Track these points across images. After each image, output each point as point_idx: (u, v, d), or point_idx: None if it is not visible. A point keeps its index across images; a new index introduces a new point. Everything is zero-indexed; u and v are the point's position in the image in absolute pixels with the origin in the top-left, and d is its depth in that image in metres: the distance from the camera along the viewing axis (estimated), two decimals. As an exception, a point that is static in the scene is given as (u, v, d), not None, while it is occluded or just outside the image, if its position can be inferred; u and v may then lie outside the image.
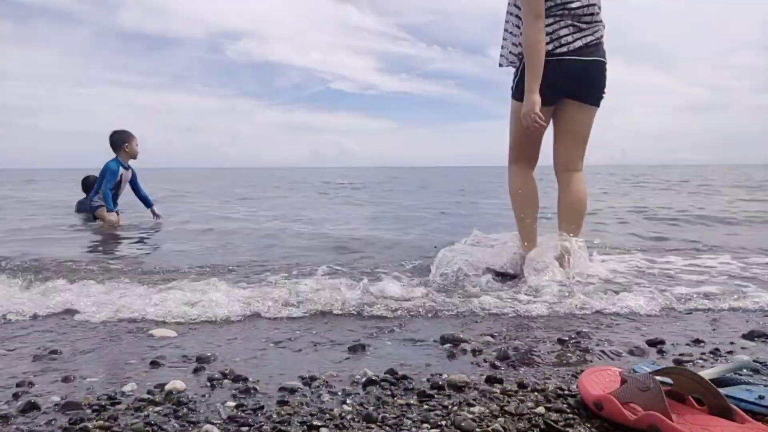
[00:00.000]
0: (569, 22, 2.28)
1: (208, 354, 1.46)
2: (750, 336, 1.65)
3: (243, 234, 4.25)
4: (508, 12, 2.46)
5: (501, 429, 1.00)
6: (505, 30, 2.50)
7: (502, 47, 2.54)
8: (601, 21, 2.34)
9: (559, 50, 2.28)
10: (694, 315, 1.91)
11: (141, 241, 4.08)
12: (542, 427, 1.02)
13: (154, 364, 1.41)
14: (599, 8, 2.34)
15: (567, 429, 1.01)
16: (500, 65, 2.57)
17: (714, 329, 1.75)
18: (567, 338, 1.61)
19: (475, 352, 1.50)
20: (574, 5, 2.28)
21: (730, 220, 5.10)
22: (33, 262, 2.93)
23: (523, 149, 2.53)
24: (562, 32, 2.27)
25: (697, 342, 1.60)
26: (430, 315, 1.91)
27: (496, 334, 1.67)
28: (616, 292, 2.17)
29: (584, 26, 2.29)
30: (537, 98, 2.26)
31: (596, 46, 2.33)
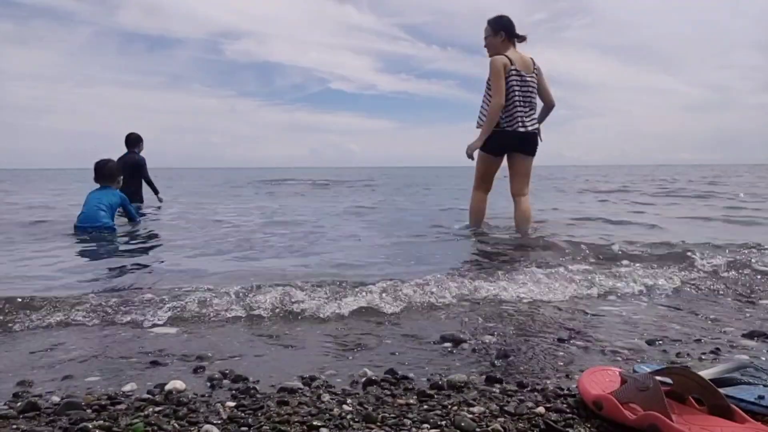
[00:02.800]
0: (520, 108, 3.65)
1: (210, 354, 1.46)
2: (750, 336, 1.65)
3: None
4: (484, 91, 3.76)
5: (501, 429, 1.00)
6: (481, 104, 3.79)
7: (479, 116, 3.80)
8: (535, 104, 3.79)
9: (514, 126, 3.67)
10: (693, 315, 1.91)
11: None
12: (542, 427, 1.02)
13: (154, 363, 1.41)
14: (536, 95, 3.77)
15: (567, 429, 1.01)
16: (478, 126, 3.81)
17: (714, 329, 1.75)
18: (567, 338, 1.62)
19: (475, 351, 1.50)
20: (521, 98, 3.65)
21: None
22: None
23: (484, 181, 3.91)
24: (516, 115, 3.66)
25: (697, 342, 1.60)
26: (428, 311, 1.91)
27: (495, 333, 1.68)
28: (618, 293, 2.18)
29: (526, 112, 3.69)
30: (478, 145, 3.75)
31: (534, 120, 3.76)
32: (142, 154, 6.47)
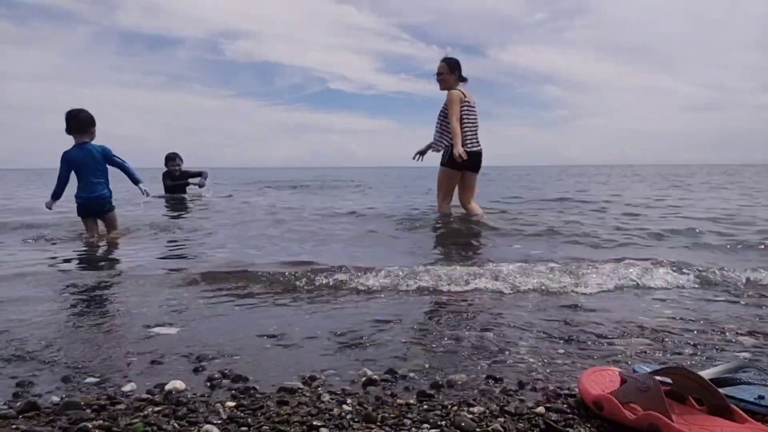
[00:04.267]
0: (470, 132, 4.64)
1: (209, 354, 1.46)
2: (750, 336, 1.65)
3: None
4: (438, 120, 4.69)
5: (501, 429, 1.00)
6: (437, 130, 4.71)
7: (436, 140, 4.75)
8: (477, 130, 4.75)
9: (469, 146, 4.60)
10: (694, 314, 1.91)
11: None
12: (542, 427, 1.02)
13: (154, 363, 1.41)
14: (477, 123, 4.74)
15: (567, 429, 1.01)
16: (436, 150, 4.75)
17: (714, 329, 1.75)
18: (567, 338, 1.61)
19: (476, 350, 1.50)
20: (470, 124, 4.63)
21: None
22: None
23: (447, 194, 4.82)
24: (468, 137, 4.61)
25: (697, 342, 1.60)
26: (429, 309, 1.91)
27: (496, 333, 1.67)
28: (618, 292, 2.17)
29: (474, 135, 4.70)
30: (462, 148, 4.51)
31: (479, 143, 4.72)
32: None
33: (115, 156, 4.15)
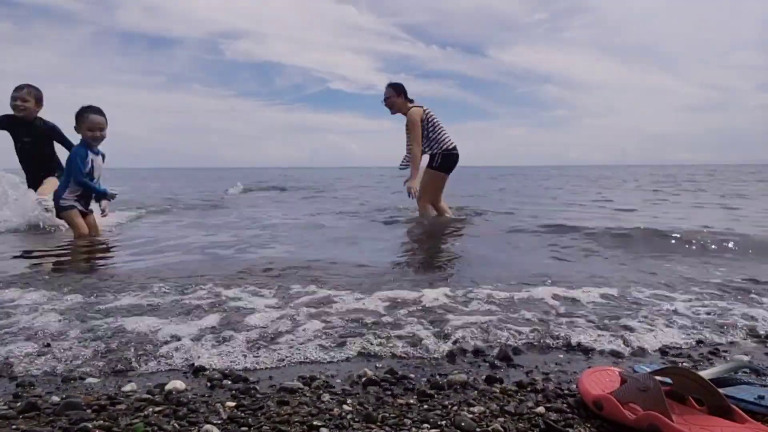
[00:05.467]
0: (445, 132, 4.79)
1: (209, 354, 1.46)
2: (750, 336, 1.65)
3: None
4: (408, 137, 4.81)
5: (501, 429, 1.00)
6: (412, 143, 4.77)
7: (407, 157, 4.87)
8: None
9: (453, 148, 4.79)
10: (693, 314, 1.91)
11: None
12: (542, 427, 1.02)
13: (154, 364, 1.40)
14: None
15: (567, 429, 1.01)
16: (404, 167, 4.90)
17: (714, 329, 1.75)
18: (567, 339, 1.61)
19: (476, 352, 1.50)
20: (441, 126, 4.80)
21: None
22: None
23: (433, 197, 4.92)
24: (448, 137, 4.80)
25: (697, 342, 1.60)
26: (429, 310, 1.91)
27: (495, 334, 1.67)
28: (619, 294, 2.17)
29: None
30: (415, 184, 4.77)
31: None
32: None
33: (71, 160, 3.81)
